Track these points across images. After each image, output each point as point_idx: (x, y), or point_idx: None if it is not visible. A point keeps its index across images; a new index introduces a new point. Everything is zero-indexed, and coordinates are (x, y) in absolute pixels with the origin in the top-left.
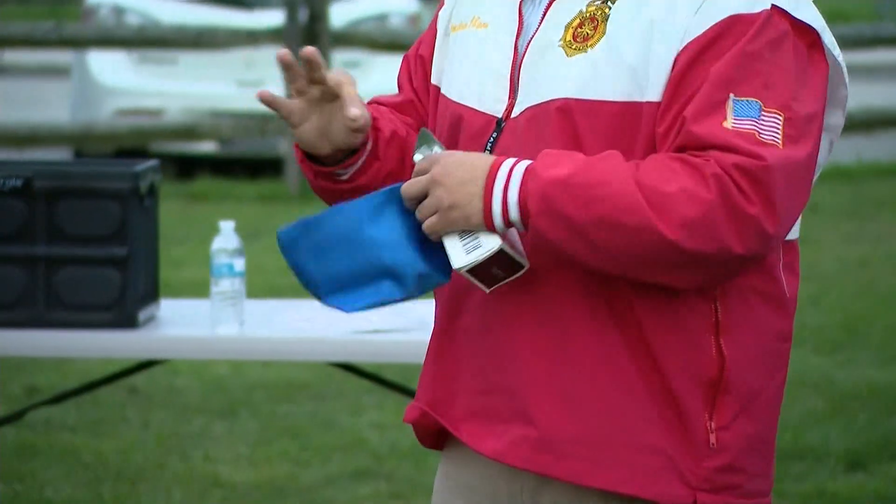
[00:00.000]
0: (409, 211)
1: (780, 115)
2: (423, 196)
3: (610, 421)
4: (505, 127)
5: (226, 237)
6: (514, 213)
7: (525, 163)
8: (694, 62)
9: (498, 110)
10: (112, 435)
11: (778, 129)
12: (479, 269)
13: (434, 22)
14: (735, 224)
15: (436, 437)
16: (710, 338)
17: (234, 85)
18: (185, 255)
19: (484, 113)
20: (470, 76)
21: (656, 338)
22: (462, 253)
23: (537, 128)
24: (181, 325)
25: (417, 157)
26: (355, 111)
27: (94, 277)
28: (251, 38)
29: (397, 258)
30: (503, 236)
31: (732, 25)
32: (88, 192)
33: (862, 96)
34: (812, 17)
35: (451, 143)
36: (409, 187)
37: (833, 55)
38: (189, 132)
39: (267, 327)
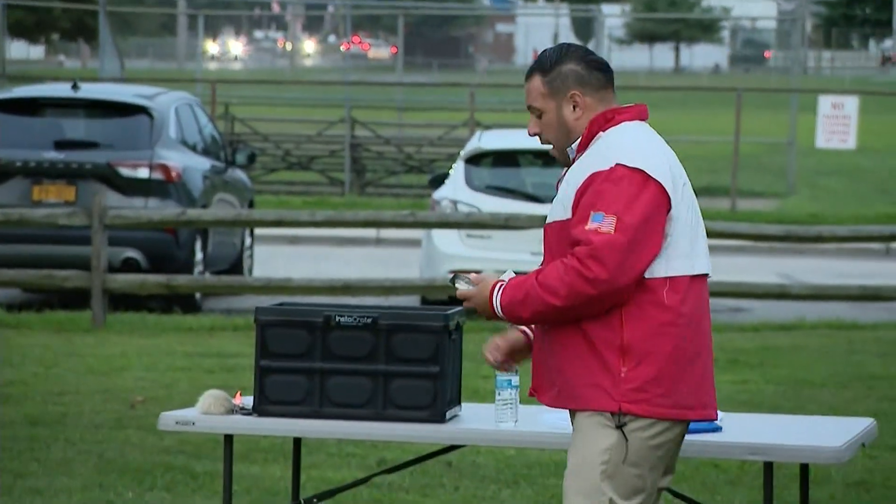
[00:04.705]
0: None
1: (614, 217)
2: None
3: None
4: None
5: None
6: (500, 314)
7: (498, 294)
8: (579, 198)
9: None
10: (433, 496)
11: (612, 224)
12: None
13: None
14: (586, 284)
15: None
16: (619, 326)
17: (529, 254)
18: (481, 371)
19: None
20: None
21: (592, 330)
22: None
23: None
24: (475, 421)
25: (458, 284)
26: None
27: (417, 387)
28: (543, 221)
29: None
30: None
31: (595, 176)
32: (414, 329)
33: None
34: (641, 162)
35: None
36: (462, 296)
37: (660, 180)
38: None
39: (532, 424)
